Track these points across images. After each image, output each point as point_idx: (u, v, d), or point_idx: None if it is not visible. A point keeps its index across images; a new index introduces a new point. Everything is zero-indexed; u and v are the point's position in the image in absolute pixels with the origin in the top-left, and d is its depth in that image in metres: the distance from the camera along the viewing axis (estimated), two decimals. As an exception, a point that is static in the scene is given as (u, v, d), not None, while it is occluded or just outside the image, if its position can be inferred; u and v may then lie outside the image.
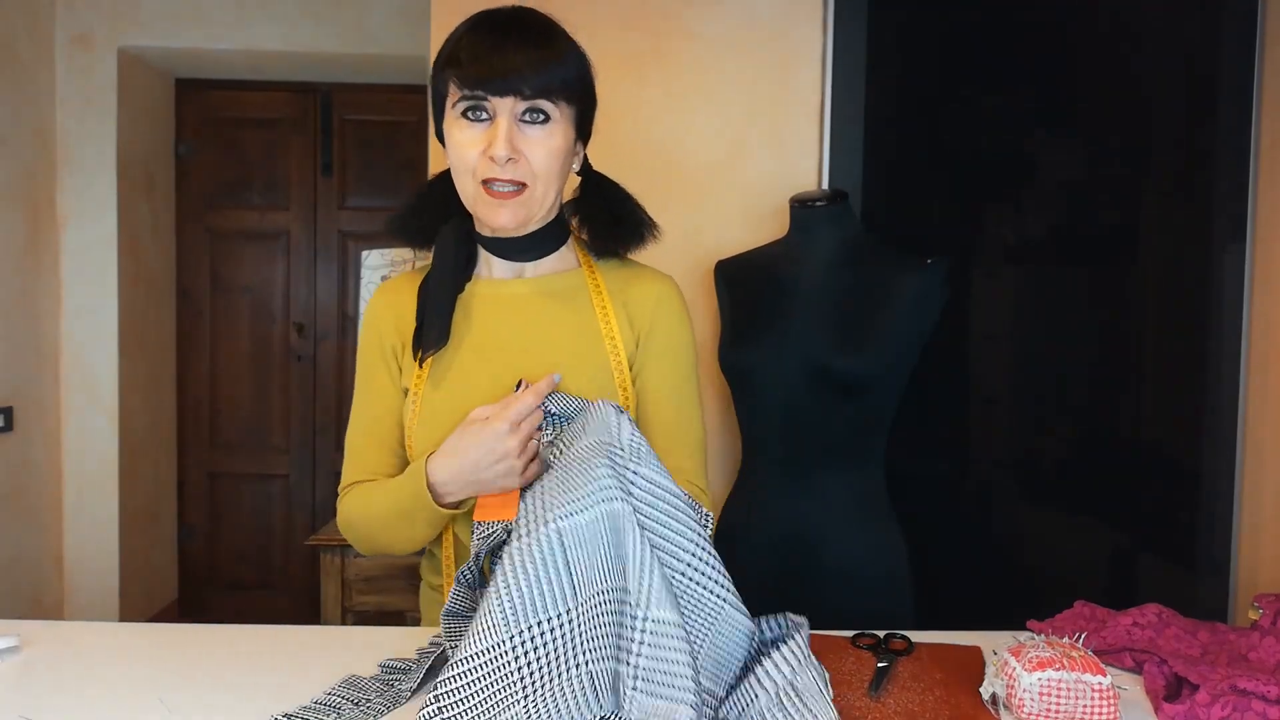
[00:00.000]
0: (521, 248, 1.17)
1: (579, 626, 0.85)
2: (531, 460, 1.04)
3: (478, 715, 0.83)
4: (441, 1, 2.06)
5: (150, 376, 3.57)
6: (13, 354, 3.05)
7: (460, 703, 0.83)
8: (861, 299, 1.60)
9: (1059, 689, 0.87)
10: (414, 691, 0.96)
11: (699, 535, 0.93)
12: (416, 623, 1.48)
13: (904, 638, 1.10)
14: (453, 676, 0.83)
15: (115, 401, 3.33)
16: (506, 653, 0.83)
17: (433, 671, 1.00)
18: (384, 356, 1.21)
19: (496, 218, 1.10)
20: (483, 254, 1.19)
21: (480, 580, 1.02)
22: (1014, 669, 0.90)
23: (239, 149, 3.75)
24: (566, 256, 1.21)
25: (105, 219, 3.30)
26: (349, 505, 1.18)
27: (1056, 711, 0.87)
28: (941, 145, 2.11)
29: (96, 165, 3.28)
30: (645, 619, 0.85)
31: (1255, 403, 1.94)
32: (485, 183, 1.08)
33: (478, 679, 0.83)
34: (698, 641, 0.91)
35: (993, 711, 0.91)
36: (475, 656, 0.83)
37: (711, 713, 0.89)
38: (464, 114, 1.08)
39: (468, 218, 1.18)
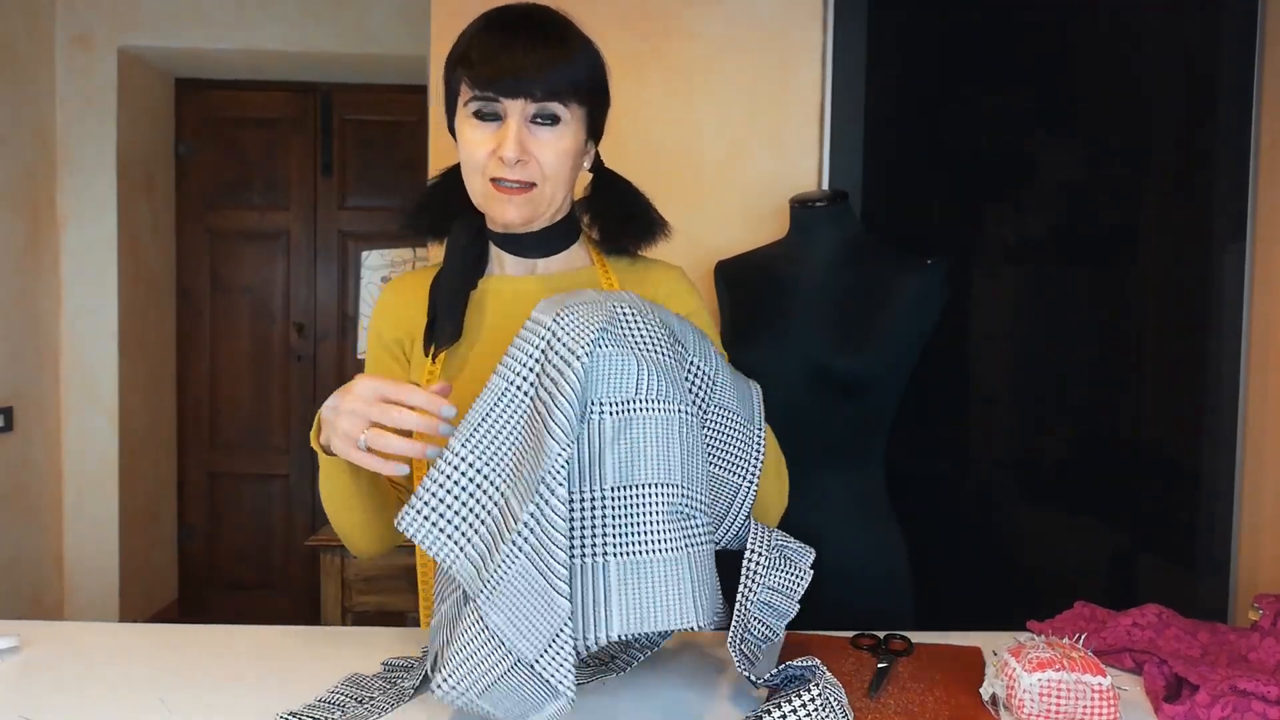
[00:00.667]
0: (533, 244, 1.17)
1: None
2: (356, 445, 0.95)
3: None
4: (441, 1, 2.06)
5: (150, 376, 3.57)
6: (13, 354, 3.05)
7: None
8: (861, 299, 1.60)
9: (1059, 689, 0.87)
10: (416, 689, 0.96)
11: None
12: (416, 623, 1.48)
13: (904, 638, 1.10)
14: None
15: (115, 401, 3.33)
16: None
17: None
18: (392, 353, 1.21)
19: (504, 214, 1.10)
20: (495, 251, 1.20)
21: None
22: (1014, 669, 0.90)
23: (239, 149, 3.75)
24: (579, 254, 1.22)
25: (105, 219, 3.30)
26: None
27: (1056, 712, 0.87)
28: (941, 145, 2.11)
29: (96, 165, 3.29)
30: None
31: (1255, 403, 1.94)
32: (494, 180, 1.09)
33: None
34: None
35: (993, 712, 0.91)
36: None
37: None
38: (475, 114, 1.09)
39: (479, 215, 1.19)
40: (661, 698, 0.96)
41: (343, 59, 3.45)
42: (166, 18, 3.32)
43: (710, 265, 1.92)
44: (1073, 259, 2.07)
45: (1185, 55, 2.02)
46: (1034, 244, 2.11)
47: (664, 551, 0.84)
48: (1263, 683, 0.90)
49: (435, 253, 1.28)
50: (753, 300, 1.74)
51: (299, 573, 3.78)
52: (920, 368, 1.62)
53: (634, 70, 2.10)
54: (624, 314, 0.90)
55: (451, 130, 1.16)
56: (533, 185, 1.09)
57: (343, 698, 0.94)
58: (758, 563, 0.97)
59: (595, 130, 1.18)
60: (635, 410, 0.86)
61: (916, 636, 1.12)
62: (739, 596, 0.95)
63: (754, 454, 1.02)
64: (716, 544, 0.97)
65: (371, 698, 0.94)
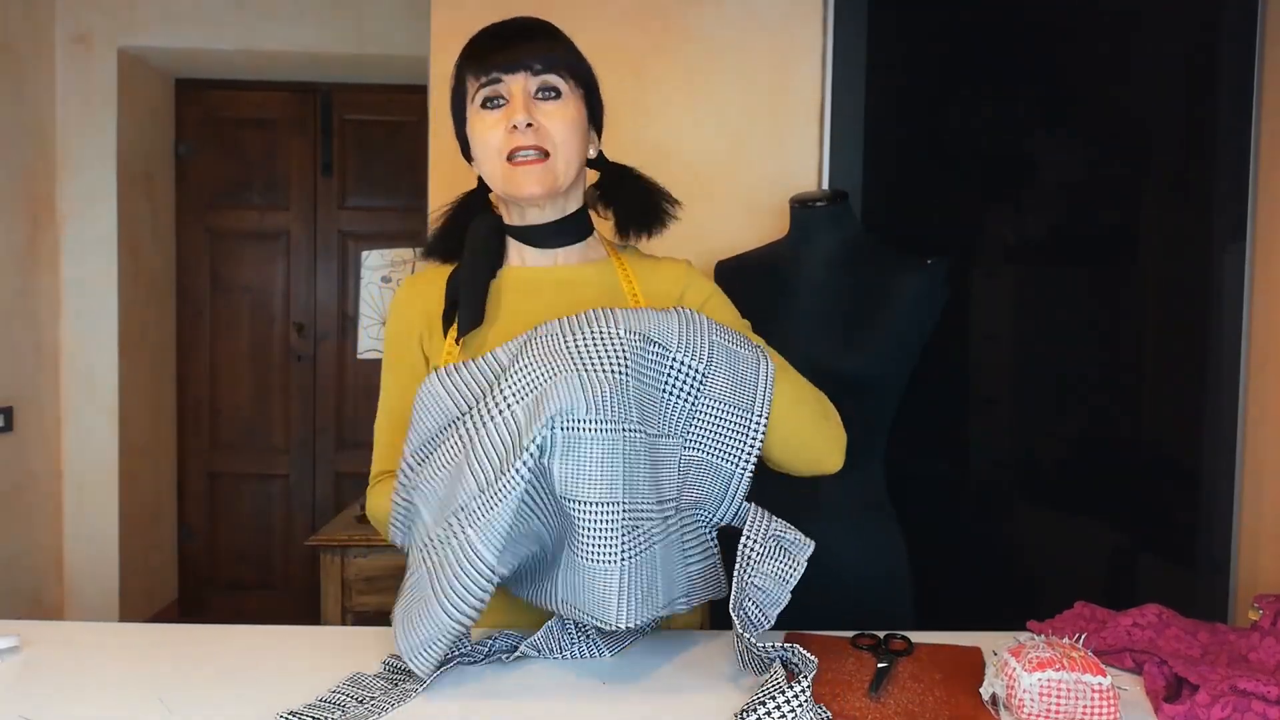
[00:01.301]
0: (550, 234, 1.21)
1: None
2: None
3: None
4: (441, 1, 2.06)
5: (150, 376, 3.57)
6: (13, 354, 3.05)
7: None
8: (861, 299, 1.60)
9: (1059, 689, 0.87)
10: (419, 690, 0.96)
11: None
12: (416, 623, 1.48)
13: (904, 638, 1.10)
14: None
15: (115, 402, 3.33)
16: None
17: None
18: (411, 347, 1.22)
19: (524, 187, 1.14)
20: (515, 245, 1.23)
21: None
22: (1014, 669, 0.90)
23: (239, 149, 3.75)
24: (595, 247, 1.26)
25: (105, 219, 3.30)
26: (379, 501, 1.20)
27: (1057, 712, 0.87)
28: (941, 145, 2.11)
29: (96, 165, 3.29)
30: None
31: (1255, 403, 1.94)
32: (510, 157, 1.13)
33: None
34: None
35: (993, 712, 0.91)
36: None
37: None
38: (483, 104, 1.15)
39: (498, 216, 1.23)
40: (652, 690, 0.96)
41: (343, 59, 3.45)
42: (166, 18, 3.31)
43: (710, 265, 1.92)
44: (1073, 259, 2.07)
45: (1185, 55, 2.02)
46: (1034, 244, 2.11)
47: (597, 562, 0.94)
48: (1263, 683, 0.90)
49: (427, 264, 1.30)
50: (752, 300, 1.73)
51: (299, 573, 3.78)
52: (920, 368, 1.62)
53: (634, 70, 2.10)
54: (583, 341, 0.98)
55: (465, 153, 1.22)
56: (546, 154, 1.14)
57: (344, 697, 0.94)
58: (752, 549, 1.02)
59: (595, 120, 1.22)
60: (583, 431, 0.93)
61: (916, 636, 1.12)
62: (735, 580, 1.02)
63: (749, 438, 1.07)
64: (720, 522, 1.08)
65: (373, 697, 0.94)
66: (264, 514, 3.82)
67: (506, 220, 1.22)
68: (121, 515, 3.36)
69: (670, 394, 1.04)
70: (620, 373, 0.97)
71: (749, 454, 1.07)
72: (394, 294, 1.29)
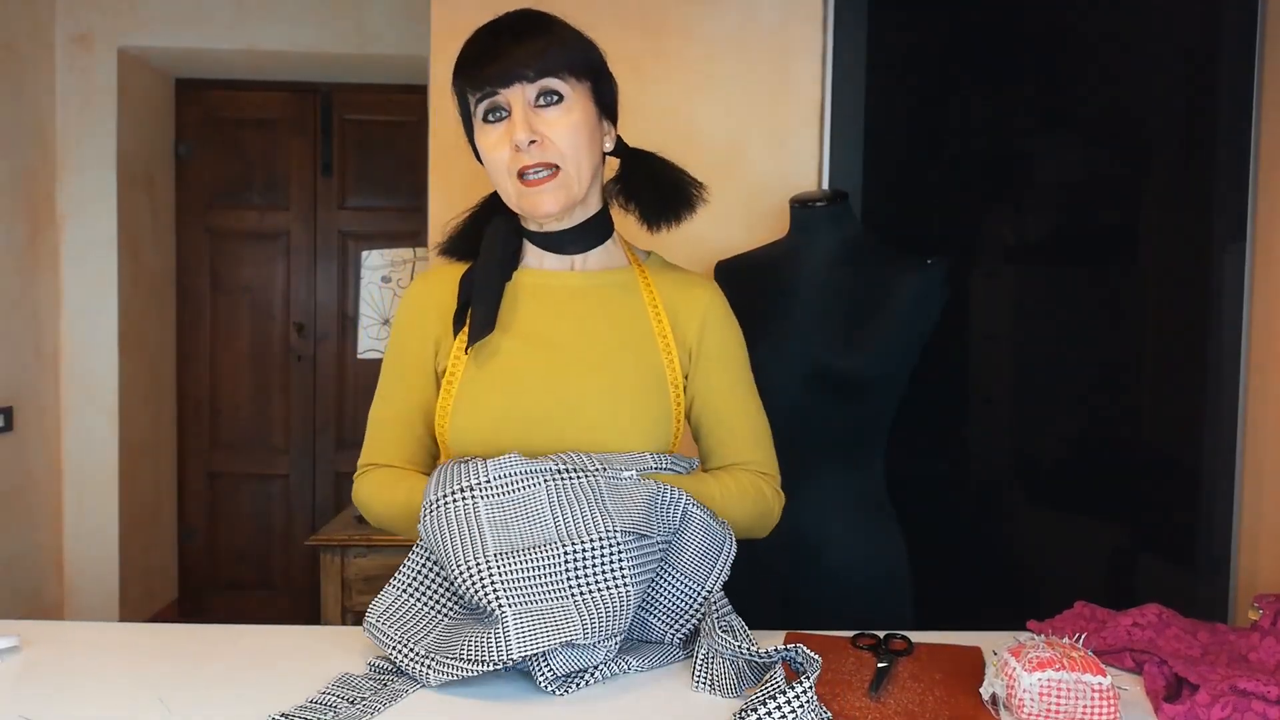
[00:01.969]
0: (569, 240, 1.18)
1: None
2: None
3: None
4: (441, 1, 2.06)
5: (150, 377, 3.57)
6: (13, 354, 3.05)
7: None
8: (861, 299, 1.60)
9: (1059, 689, 0.87)
10: (410, 690, 0.96)
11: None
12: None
13: (904, 638, 1.10)
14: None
15: (115, 402, 3.33)
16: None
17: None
18: (422, 343, 1.20)
19: (539, 206, 1.11)
20: (533, 249, 1.20)
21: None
22: (1014, 669, 0.90)
23: (239, 149, 3.75)
24: (615, 253, 1.22)
25: (105, 219, 3.29)
26: (367, 490, 1.19)
27: (1057, 712, 0.87)
28: (941, 145, 2.11)
29: (96, 165, 3.28)
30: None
31: (1255, 403, 1.94)
32: (520, 176, 1.10)
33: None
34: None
35: (993, 712, 0.91)
36: None
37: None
38: (485, 118, 1.11)
39: (516, 217, 1.20)
40: (652, 690, 0.96)
41: (343, 59, 3.45)
42: (166, 18, 3.31)
43: (710, 265, 1.92)
44: (1073, 259, 2.07)
45: (1185, 55, 2.02)
46: (1034, 244, 2.11)
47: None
48: (1263, 683, 0.90)
49: (439, 257, 1.29)
50: (753, 300, 1.74)
51: (299, 573, 3.78)
52: (920, 368, 1.62)
53: (634, 70, 2.09)
54: (581, 559, 1.01)
55: (477, 157, 1.18)
56: (556, 168, 1.10)
57: (334, 698, 0.93)
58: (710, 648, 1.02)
59: (607, 109, 1.18)
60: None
61: (916, 636, 1.12)
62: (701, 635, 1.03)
63: (690, 610, 1.07)
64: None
65: (364, 698, 0.94)
66: (264, 514, 3.82)
67: (524, 224, 1.20)
68: (121, 515, 3.36)
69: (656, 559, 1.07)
70: (620, 587, 0.99)
71: (686, 621, 1.07)
72: (408, 288, 1.27)
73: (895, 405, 1.62)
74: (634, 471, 1.08)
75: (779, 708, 0.86)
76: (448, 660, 0.95)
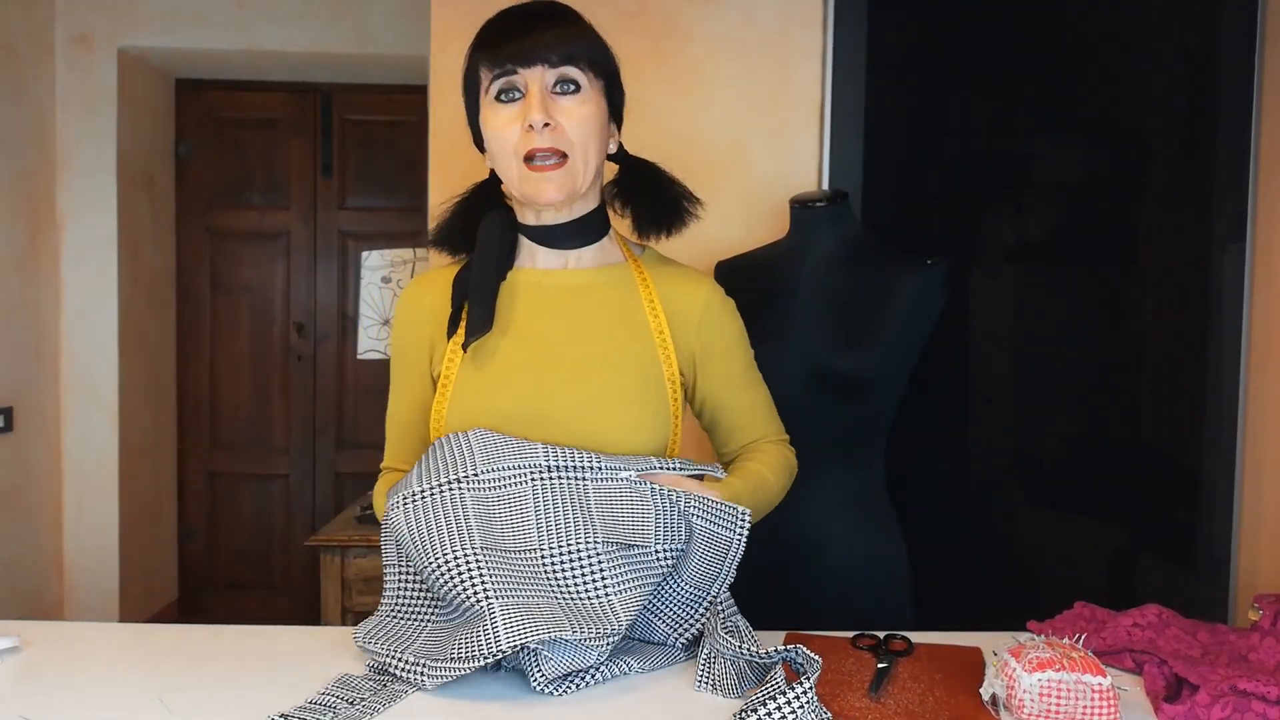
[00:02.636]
0: (565, 235, 1.17)
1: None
2: None
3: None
4: (441, 1, 2.06)
5: (150, 376, 3.57)
6: (13, 354, 3.05)
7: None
8: (861, 299, 1.60)
9: (1059, 690, 0.87)
10: (409, 691, 0.96)
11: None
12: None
13: (904, 638, 1.10)
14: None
15: (115, 402, 3.33)
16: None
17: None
18: (418, 348, 1.20)
19: (543, 193, 1.10)
20: (527, 245, 1.19)
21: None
22: (1014, 670, 0.90)
23: (239, 149, 3.75)
24: (610, 250, 1.22)
25: (105, 219, 3.29)
26: (379, 492, 1.21)
27: (1057, 712, 0.87)
28: (941, 145, 2.11)
29: (96, 165, 3.28)
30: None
31: (1255, 403, 1.94)
32: (527, 160, 1.09)
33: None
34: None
35: (993, 712, 0.91)
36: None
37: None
38: (497, 97, 1.10)
39: (511, 210, 1.19)
40: (652, 691, 0.96)
41: (343, 59, 3.45)
42: (166, 18, 3.31)
43: (710, 265, 1.92)
44: (1073, 259, 2.07)
45: (1185, 55, 2.02)
46: (1034, 244, 2.11)
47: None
48: (1263, 683, 0.90)
49: (439, 256, 1.28)
50: (752, 300, 1.73)
51: (299, 573, 3.78)
52: (920, 368, 1.62)
53: (634, 70, 2.08)
54: (561, 562, 1.02)
55: (477, 143, 1.18)
56: (565, 156, 1.09)
57: (333, 699, 0.93)
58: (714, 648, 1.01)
59: (615, 112, 1.19)
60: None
61: (916, 636, 1.12)
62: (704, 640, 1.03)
63: (695, 615, 1.07)
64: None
65: (363, 698, 0.94)
66: (264, 514, 3.82)
67: (520, 218, 1.18)
68: (121, 515, 3.36)
69: (657, 571, 1.05)
70: (602, 596, 0.99)
71: (690, 627, 1.07)
72: (400, 294, 1.27)
73: (895, 405, 1.61)
74: (633, 472, 1.07)
75: (779, 708, 0.86)
76: (439, 664, 0.95)
